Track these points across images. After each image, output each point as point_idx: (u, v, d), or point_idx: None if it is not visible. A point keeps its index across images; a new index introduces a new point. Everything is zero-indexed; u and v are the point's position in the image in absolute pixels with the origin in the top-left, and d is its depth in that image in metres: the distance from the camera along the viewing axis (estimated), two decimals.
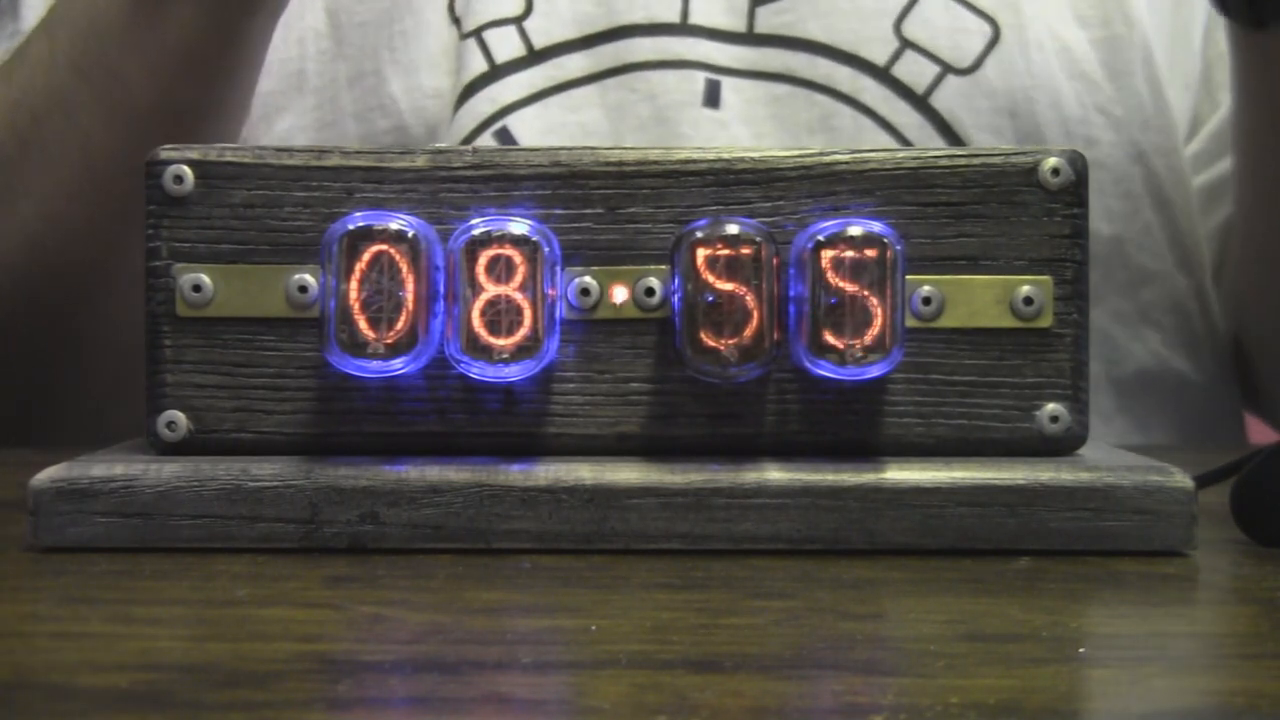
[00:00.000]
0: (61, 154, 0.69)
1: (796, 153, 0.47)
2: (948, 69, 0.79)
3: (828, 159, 0.46)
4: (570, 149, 0.47)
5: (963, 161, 0.46)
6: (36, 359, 0.72)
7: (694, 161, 0.46)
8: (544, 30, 0.79)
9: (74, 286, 0.71)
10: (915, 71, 0.78)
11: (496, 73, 0.78)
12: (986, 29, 0.79)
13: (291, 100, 0.80)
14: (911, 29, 0.79)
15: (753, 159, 0.46)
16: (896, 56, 0.78)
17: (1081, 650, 0.35)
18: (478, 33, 0.79)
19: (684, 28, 0.79)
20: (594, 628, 0.37)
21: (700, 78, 0.78)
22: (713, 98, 0.78)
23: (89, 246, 0.70)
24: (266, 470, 0.45)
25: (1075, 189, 0.47)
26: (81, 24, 0.67)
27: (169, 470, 0.45)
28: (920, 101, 0.79)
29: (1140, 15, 0.80)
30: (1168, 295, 0.80)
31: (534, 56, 0.79)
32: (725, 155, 0.47)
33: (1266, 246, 0.78)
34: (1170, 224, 0.80)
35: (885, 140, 0.76)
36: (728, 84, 0.78)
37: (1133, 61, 0.80)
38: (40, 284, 0.71)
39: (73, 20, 0.68)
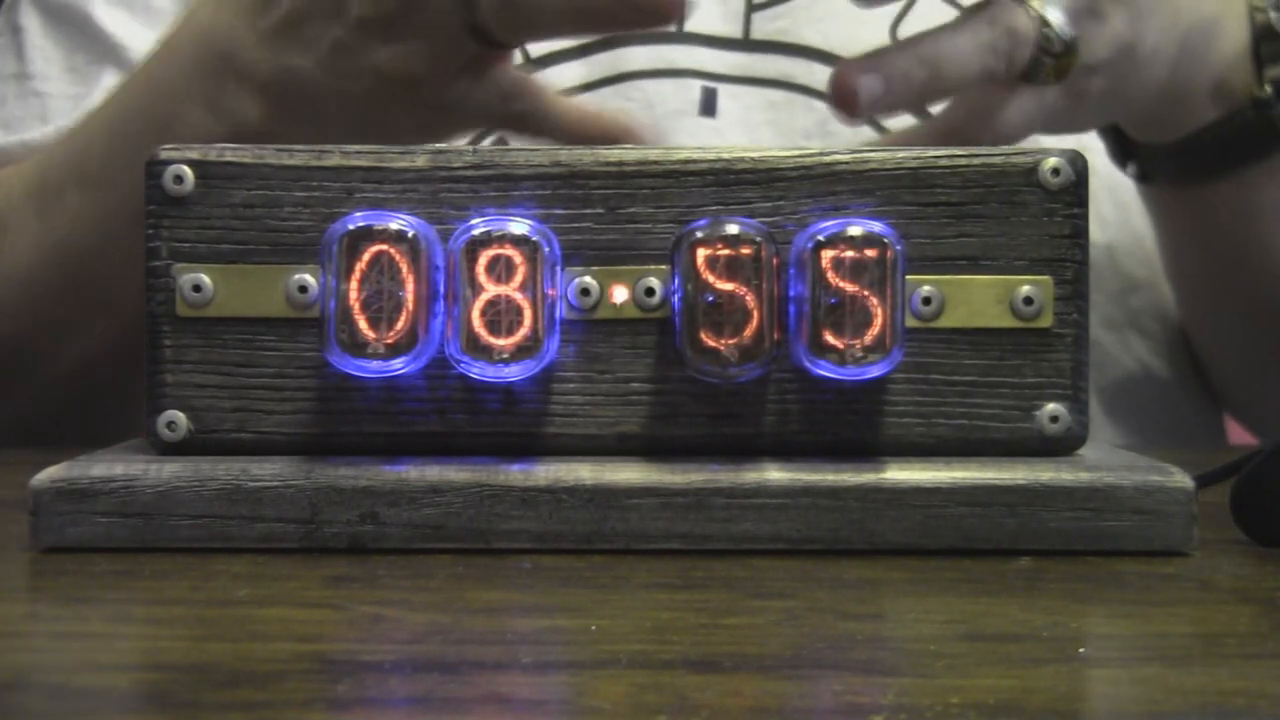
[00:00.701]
0: (114, 297, 0.67)
1: (796, 153, 0.47)
2: None
3: (828, 159, 0.46)
4: (570, 149, 0.47)
5: (963, 161, 0.46)
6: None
7: (694, 161, 0.46)
8: None
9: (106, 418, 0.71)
10: None
11: None
12: None
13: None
14: (908, 33, 0.79)
15: (753, 159, 0.46)
16: None
17: (1081, 650, 0.35)
18: None
19: (679, 35, 0.79)
20: (594, 628, 0.37)
21: (696, 86, 0.78)
22: (709, 106, 0.78)
23: (125, 394, 0.70)
24: (266, 470, 0.45)
25: (1075, 189, 0.47)
26: (134, 182, 0.67)
27: (169, 470, 0.45)
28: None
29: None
30: (1155, 303, 0.80)
31: (531, 64, 0.79)
32: (725, 155, 0.47)
33: (1212, 340, 0.79)
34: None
35: (882, 144, 0.76)
36: (724, 91, 0.78)
37: None
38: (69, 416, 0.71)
39: (122, 179, 0.65)
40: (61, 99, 0.79)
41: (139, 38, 0.79)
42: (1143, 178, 0.72)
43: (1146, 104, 0.65)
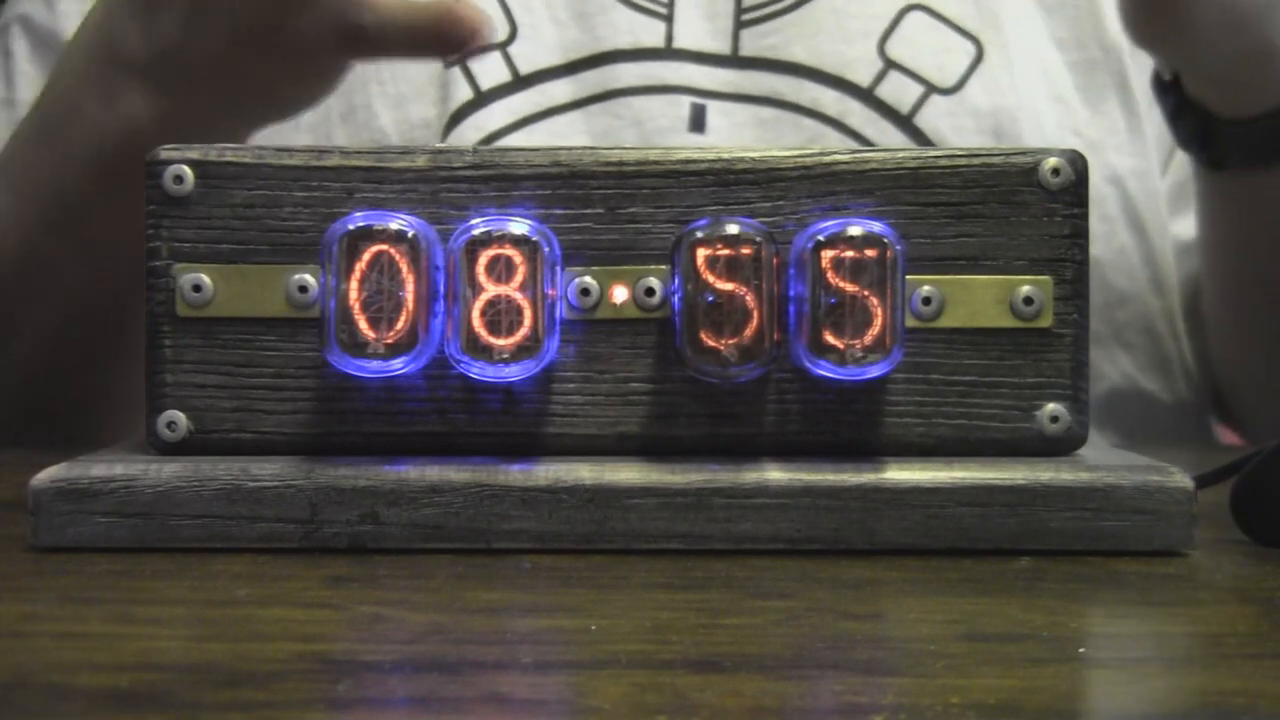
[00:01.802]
0: (46, 299, 0.70)
1: (796, 153, 0.47)
2: (932, 89, 0.79)
3: (828, 159, 0.46)
4: (570, 149, 0.47)
5: (963, 161, 0.46)
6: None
7: (694, 161, 0.46)
8: (529, 56, 0.79)
9: (75, 405, 0.72)
10: (900, 91, 0.78)
11: (482, 99, 0.78)
12: (970, 48, 0.79)
13: (287, 139, 0.80)
14: (895, 49, 0.79)
15: (753, 159, 0.46)
16: (881, 77, 0.78)
17: (1081, 650, 0.35)
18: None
19: (669, 52, 0.79)
20: (594, 628, 0.37)
21: (686, 102, 0.78)
22: (698, 122, 0.78)
23: (86, 374, 0.71)
24: (266, 470, 0.45)
25: (1075, 189, 0.47)
26: (48, 183, 0.68)
27: (169, 470, 0.45)
28: (905, 122, 0.79)
29: (1116, 41, 0.80)
30: (1141, 316, 0.80)
31: (519, 82, 0.79)
32: (725, 155, 0.47)
33: (1239, 331, 0.78)
34: (1144, 245, 0.80)
35: None
36: (713, 108, 0.78)
37: (1106, 86, 0.81)
38: (38, 409, 0.72)
39: (39, 194, 0.68)
40: None
41: None
42: (1215, 163, 0.71)
43: (1240, 54, 0.64)
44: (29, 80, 0.80)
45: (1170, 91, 0.70)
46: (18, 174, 0.69)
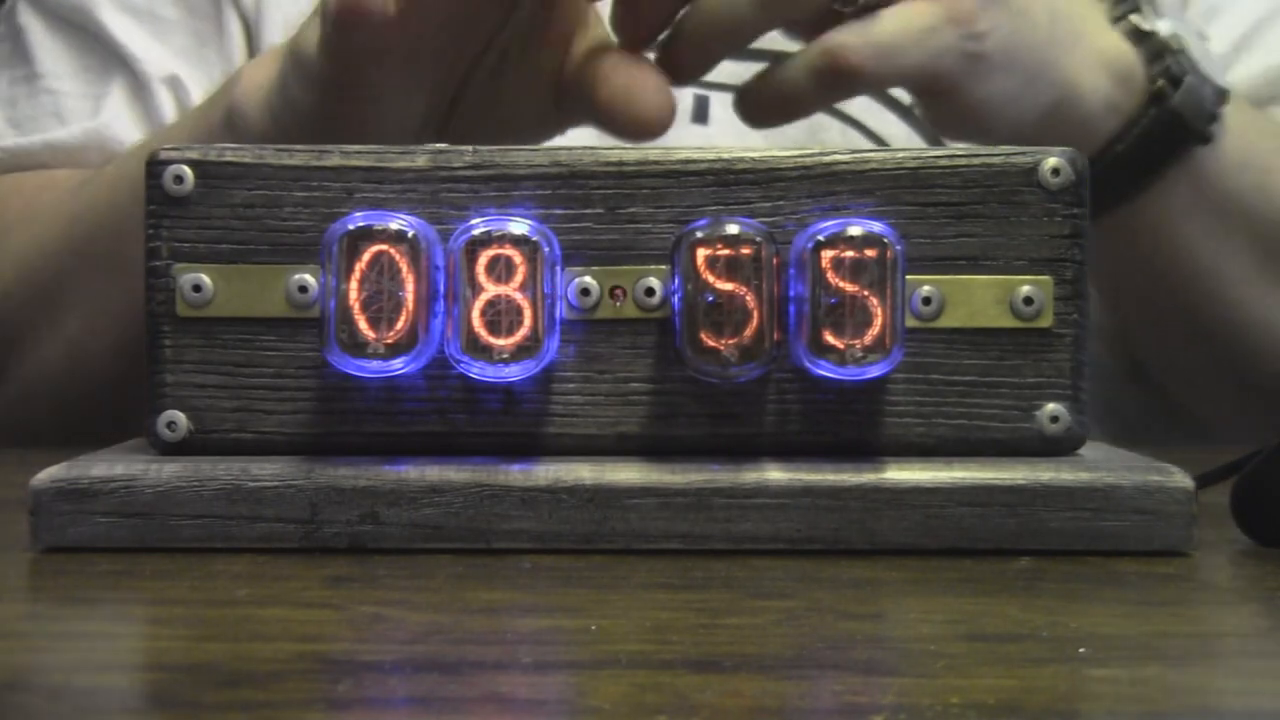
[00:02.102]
0: (109, 273, 0.69)
1: (796, 153, 0.47)
2: None
3: (828, 159, 0.46)
4: (570, 149, 0.47)
5: (963, 161, 0.46)
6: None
7: (694, 161, 0.46)
8: None
9: (109, 401, 0.70)
10: None
11: None
12: None
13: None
14: None
15: (753, 159, 0.46)
16: None
17: (1081, 650, 0.35)
18: None
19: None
20: (594, 628, 0.37)
21: (688, 93, 0.78)
22: (701, 113, 0.78)
23: (125, 368, 0.70)
24: (266, 470, 0.45)
25: (1075, 189, 0.47)
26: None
27: (169, 470, 0.45)
28: (908, 111, 0.79)
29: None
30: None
31: None
32: (725, 155, 0.47)
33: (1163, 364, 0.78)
34: None
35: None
36: (716, 99, 0.78)
37: None
38: (77, 397, 0.71)
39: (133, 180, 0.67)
40: (77, 98, 0.80)
41: (147, 48, 0.80)
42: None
43: (1030, 116, 0.63)
44: (50, 55, 0.80)
45: None
46: (127, 164, 0.67)
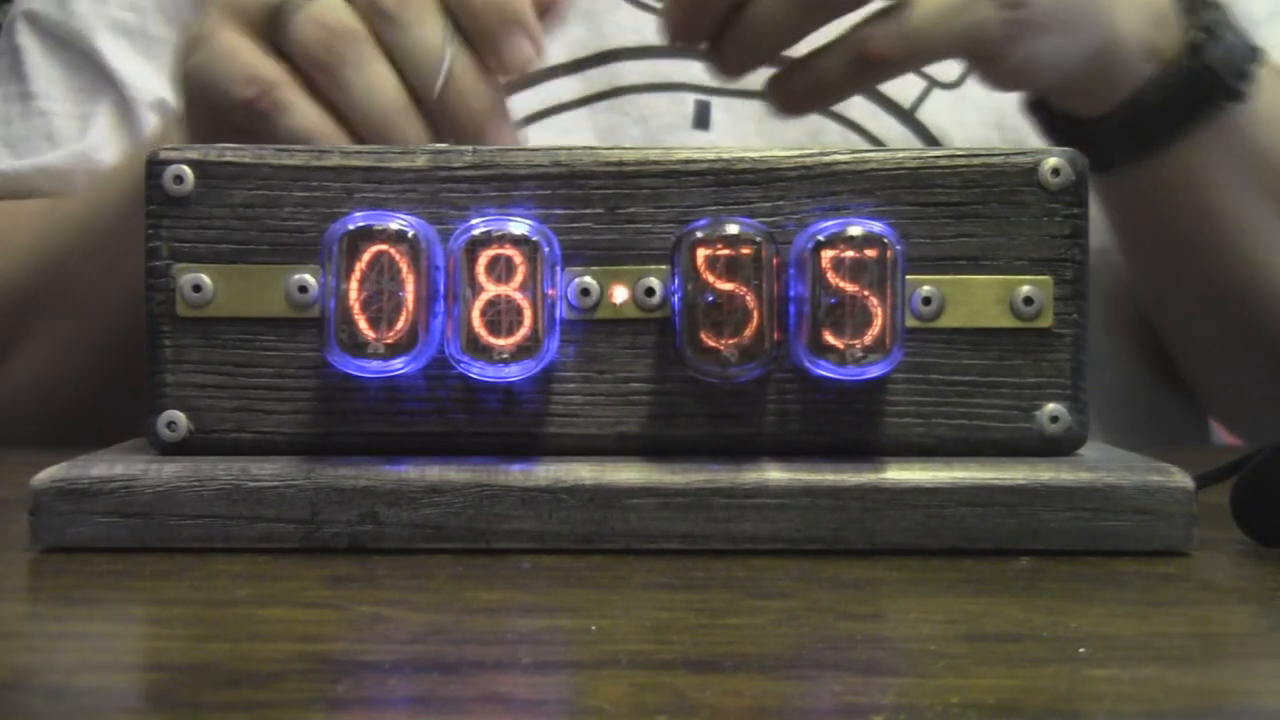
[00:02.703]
0: (84, 308, 0.70)
1: (796, 153, 0.47)
2: (934, 83, 0.79)
3: (828, 159, 0.46)
4: (570, 149, 0.47)
5: (963, 161, 0.46)
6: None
7: (694, 161, 0.46)
8: None
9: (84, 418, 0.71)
10: (902, 86, 0.78)
11: None
12: None
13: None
14: None
15: (753, 159, 0.46)
16: None
17: (1081, 650, 0.35)
18: None
19: (672, 50, 0.79)
20: (594, 628, 0.37)
21: (690, 99, 0.78)
22: (703, 119, 0.79)
23: (96, 397, 0.71)
24: (266, 470, 0.45)
25: (1075, 189, 0.47)
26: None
27: (169, 470, 0.45)
28: (907, 116, 0.79)
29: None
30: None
31: (525, 79, 0.79)
32: (725, 155, 0.47)
33: (1174, 336, 0.79)
34: None
35: None
36: (717, 104, 0.79)
37: None
38: (47, 414, 0.72)
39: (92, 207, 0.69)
40: (66, 119, 0.80)
41: (136, 70, 0.80)
42: (1099, 166, 0.71)
43: (1076, 65, 0.64)
44: (44, 76, 0.81)
45: (1037, 109, 0.70)
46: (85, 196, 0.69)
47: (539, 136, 0.78)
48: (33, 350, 0.72)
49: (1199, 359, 0.78)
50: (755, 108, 0.78)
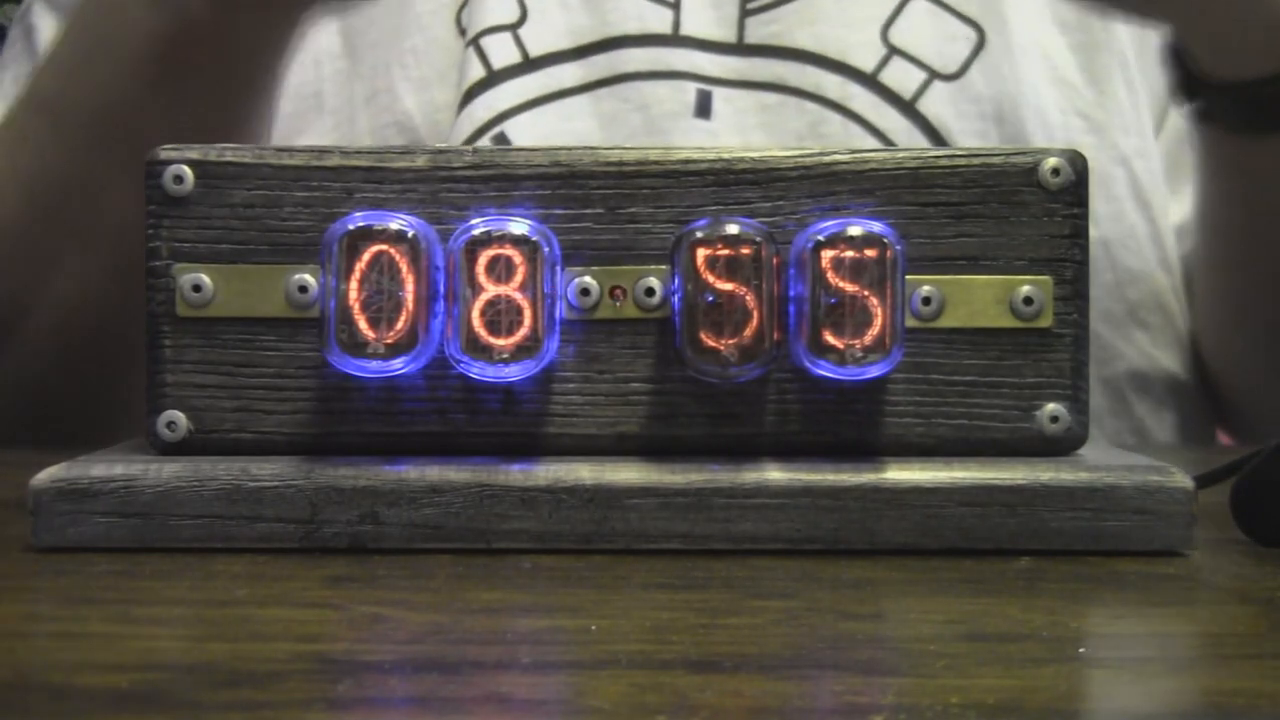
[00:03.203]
0: (91, 232, 0.69)
1: (796, 153, 0.47)
2: (934, 75, 0.79)
3: (828, 159, 0.46)
4: (570, 149, 0.47)
5: (963, 161, 0.46)
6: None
7: (694, 161, 0.46)
8: (538, 38, 0.79)
9: (113, 366, 0.70)
10: (902, 77, 0.78)
11: (494, 78, 0.78)
12: (972, 35, 0.80)
13: (310, 122, 0.81)
14: (898, 36, 0.79)
15: (753, 159, 0.46)
16: (884, 63, 0.79)
17: (1081, 650, 0.35)
18: (476, 39, 0.79)
19: (675, 39, 0.79)
20: (594, 628, 0.37)
21: (692, 88, 0.78)
22: (704, 108, 0.79)
23: (129, 324, 0.70)
24: (266, 470, 0.45)
25: (1075, 189, 0.47)
26: (94, 103, 0.67)
27: (169, 470, 0.45)
28: (908, 107, 0.79)
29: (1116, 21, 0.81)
30: (1152, 294, 0.80)
31: (529, 64, 0.79)
32: (725, 155, 0.47)
33: (1231, 322, 0.78)
34: (1150, 223, 0.80)
35: (875, 145, 0.77)
36: (719, 94, 0.79)
37: (1110, 66, 0.81)
38: (77, 361, 0.71)
39: (80, 101, 0.67)
40: None
41: None
42: (1204, 117, 0.71)
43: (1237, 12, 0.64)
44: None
45: (1177, 61, 0.70)
46: (60, 100, 0.68)
47: (541, 121, 0.78)
48: (59, 283, 0.71)
49: (1252, 350, 0.78)
50: (755, 98, 0.78)
